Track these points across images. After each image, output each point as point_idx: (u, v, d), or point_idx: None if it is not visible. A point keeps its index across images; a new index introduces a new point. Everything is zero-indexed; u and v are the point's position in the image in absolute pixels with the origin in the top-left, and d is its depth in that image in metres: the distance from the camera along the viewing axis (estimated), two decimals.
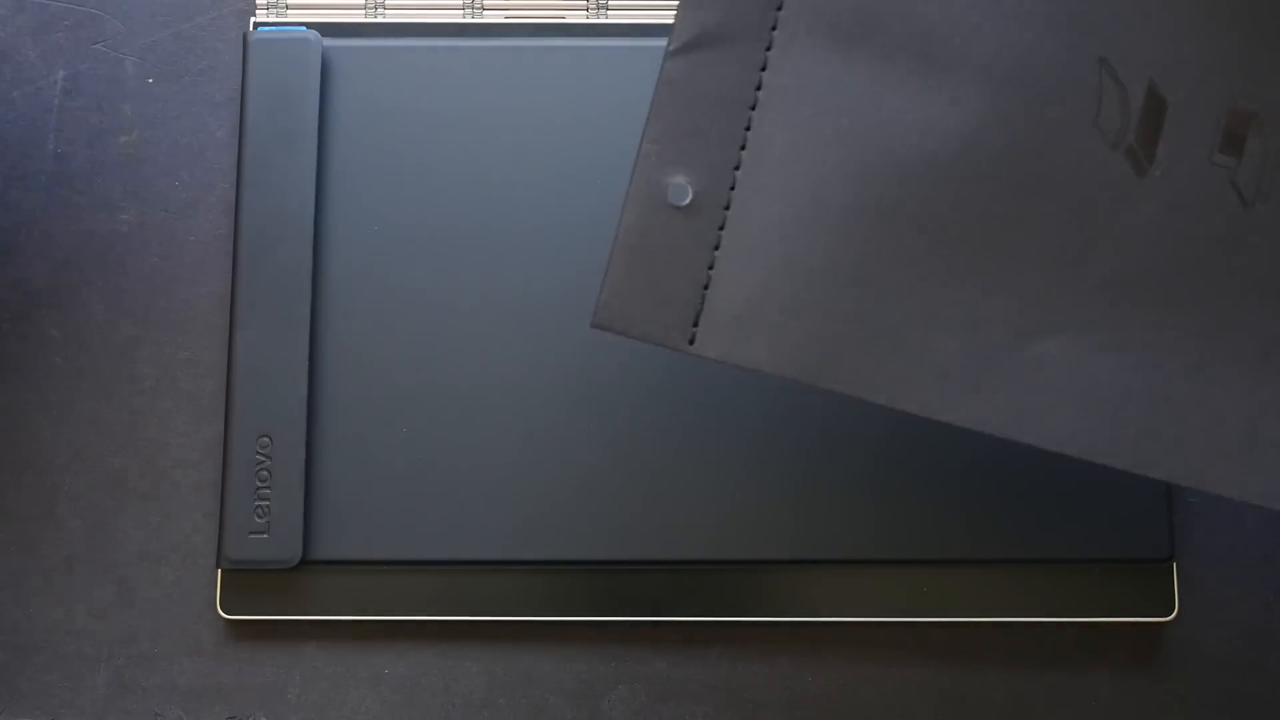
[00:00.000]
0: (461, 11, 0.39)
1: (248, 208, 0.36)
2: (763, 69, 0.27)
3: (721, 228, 0.27)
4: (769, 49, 0.27)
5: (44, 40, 0.39)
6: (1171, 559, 0.36)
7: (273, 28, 0.38)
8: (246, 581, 0.36)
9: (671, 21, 0.28)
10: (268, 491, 0.35)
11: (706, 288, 0.27)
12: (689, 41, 0.27)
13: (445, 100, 0.37)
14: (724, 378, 0.36)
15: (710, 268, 0.27)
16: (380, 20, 0.39)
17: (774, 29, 0.27)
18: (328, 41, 0.37)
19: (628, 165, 0.30)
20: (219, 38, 0.39)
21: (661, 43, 0.33)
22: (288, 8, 0.39)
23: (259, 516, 0.35)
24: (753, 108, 0.27)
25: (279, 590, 0.36)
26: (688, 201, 0.27)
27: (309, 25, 0.37)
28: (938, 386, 0.27)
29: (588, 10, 0.39)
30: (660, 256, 0.27)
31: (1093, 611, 0.37)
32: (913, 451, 0.36)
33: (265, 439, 0.35)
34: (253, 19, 0.39)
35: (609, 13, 0.39)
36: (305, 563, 0.35)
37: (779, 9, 0.27)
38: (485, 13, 0.39)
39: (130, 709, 0.36)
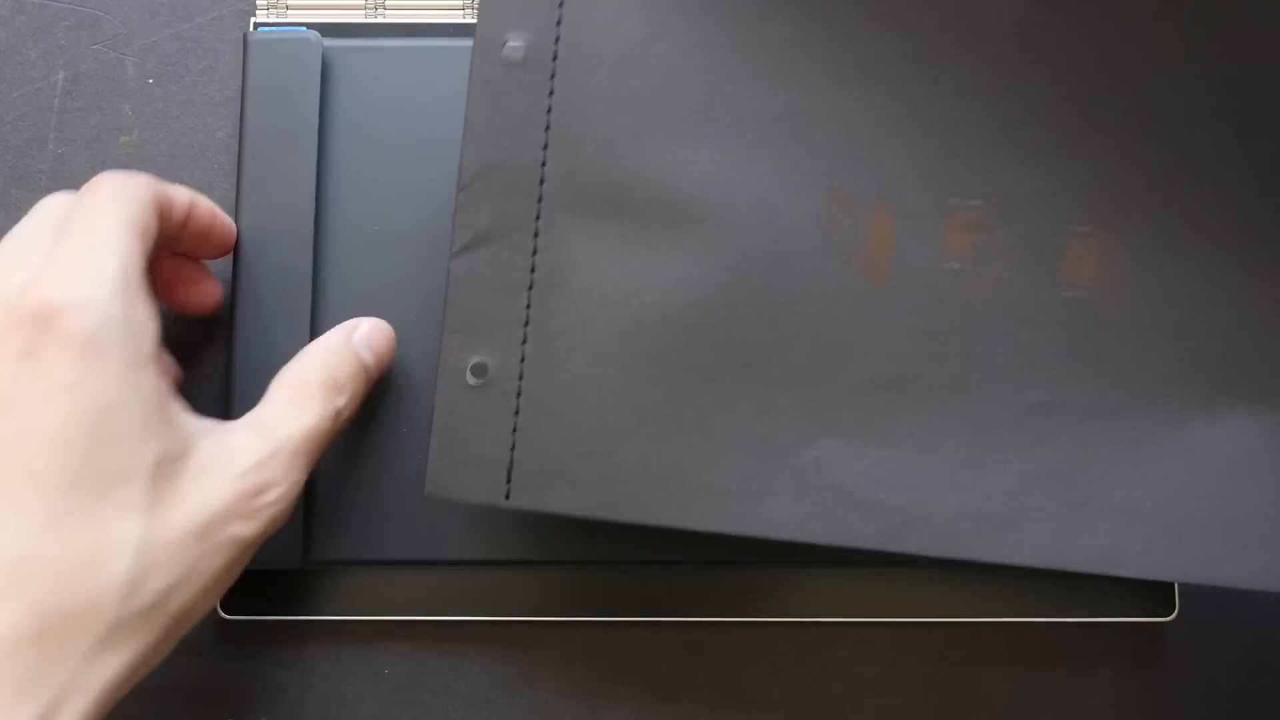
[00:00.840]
0: (461, 11, 0.39)
1: (248, 208, 0.36)
2: (534, 253, 0.31)
3: (519, 396, 0.31)
4: (536, 235, 0.31)
5: (44, 41, 0.39)
6: None
7: (273, 28, 0.38)
8: (246, 583, 0.36)
9: None
10: None
11: (513, 449, 0.30)
12: (467, 243, 0.31)
13: (445, 100, 0.37)
14: None
15: (514, 431, 0.31)
16: (380, 20, 0.39)
17: (538, 218, 0.31)
18: (328, 41, 0.37)
19: None
20: (219, 38, 0.39)
21: None
22: (288, 8, 0.39)
23: None
24: (530, 288, 0.31)
25: (279, 591, 0.36)
26: (486, 380, 0.31)
27: (309, 25, 0.37)
28: (723, 505, 0.30)
29: None
30: (471, 429, 0.31)
31: (1093, 611, 0.37)
32: None
33: None
34: (253, 19, 0.39)
35: None
36: (305, 563, 0.35)
37: (540, 201, 0.31)
38: None
39: (130, 709, 0.36)
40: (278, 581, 0.36)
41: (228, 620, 0.36)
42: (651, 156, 0.31)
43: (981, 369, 0.30)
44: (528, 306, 0.31)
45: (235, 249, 0.36)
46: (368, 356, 0.33)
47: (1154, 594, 0.37)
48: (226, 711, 0.36)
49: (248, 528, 0.28)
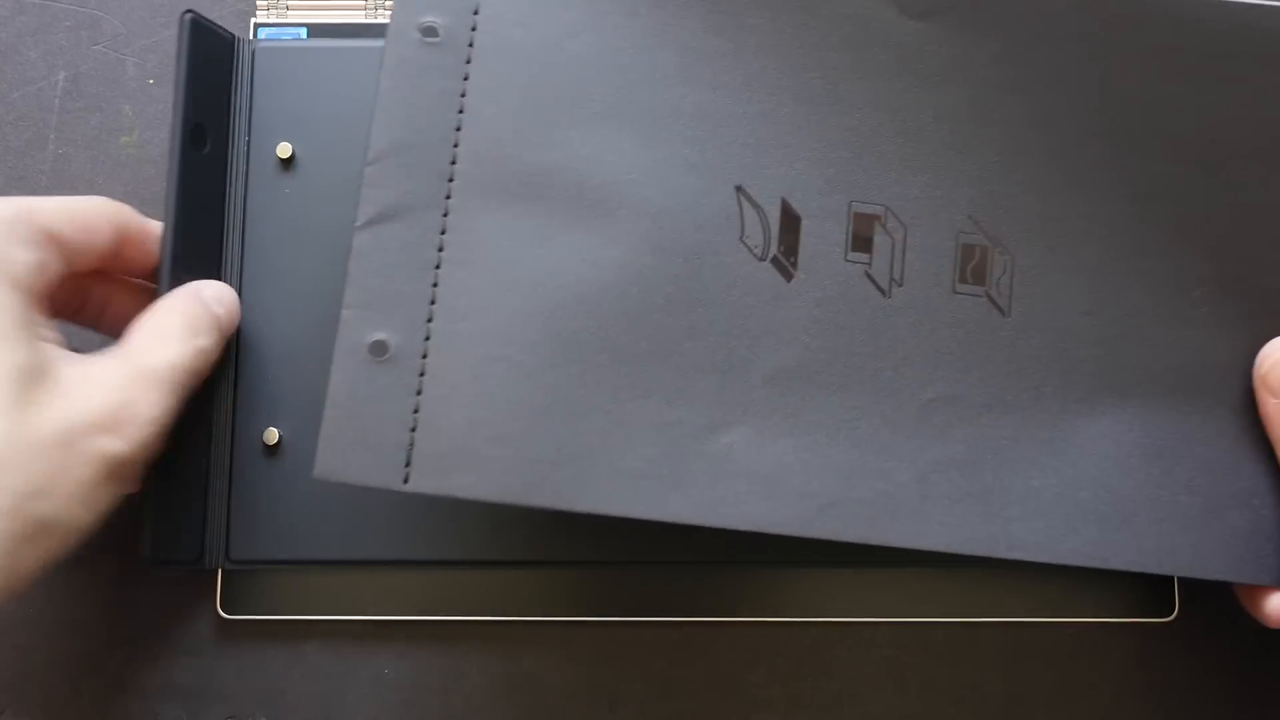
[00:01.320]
0: None
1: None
2: (443, 232, 0.31)
3: (422, 375, 0.30)
4: (446, 215, 0.31)
5: (45, 41, 0.39)
6: None
7: (273, 28, 0.38)
8: (246, 581, 0.36)
9: None
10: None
11: (414, 430, 0.30)
12: (373, 217, 0.31)
13: None
14: None
15: (416, 412, 0.30)
16: (380, 21, 0.39)
17: (449, 197, 0.31)
18: (329, 42, 0.37)
19: None
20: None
21: None
22: (288, 8, 0.39)
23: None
24: (438, 267, 0.31)
25: (279, 590, 0.36)
26: (386, 357, 0.30)
27: (309, 25, 0.38)
28: (637, 489, 0.30)
29: None
30: (369, 408, 0.30)
31: (1093, 611, 0.37)
32: None
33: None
34: (253, 19, 0.39)
35: None
36: (305, 563, 0.35)
37: (451, 180, 0.31)
38: None
39: (130, 709, 0.36)
40: (278, 581, 0.36)
41: (228, 620, 0.36)
42: (566, 145, 0.31)
43: (887, 361, 0.32)
44: (435, 285, 0.31)
45: (237, 249, 0.36)
46: (219, 310, 0.33)
47: (1154, 594, 0.37)
48: (226, 710, 0.36)
49: (114, 443, 0.28)
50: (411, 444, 0.30)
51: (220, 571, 0.36)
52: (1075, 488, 0.31)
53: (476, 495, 0.30)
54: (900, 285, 0.32)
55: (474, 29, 0.32)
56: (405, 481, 0.30)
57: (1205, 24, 0.32)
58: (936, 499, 0.31)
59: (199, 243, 0.35)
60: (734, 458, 0.31)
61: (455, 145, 0.31)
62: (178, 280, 0.34)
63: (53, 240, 0.30)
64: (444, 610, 0.36)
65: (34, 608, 0.37)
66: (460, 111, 0.31)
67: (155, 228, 0.33)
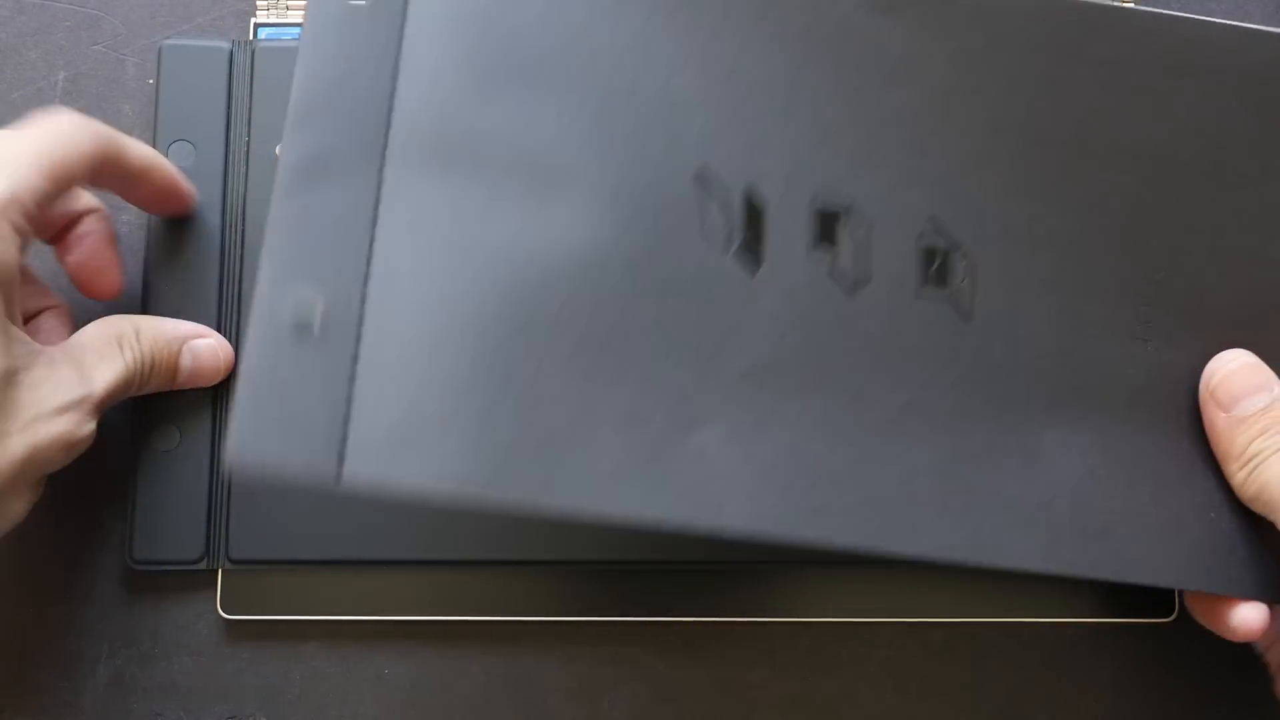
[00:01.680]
0: None
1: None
2: (378, 201, 0.28)
3: (356, 357, 0.27)
4: (382, 181, 0.28)
5: (44, 41, 0.39)
6: None
7: (273, 28, 0.38)
8: (246, 581, 0.36)
9: None
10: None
11: (348, 420, 0.26)
12: (298, 179, 0.27)
13: None
14: None
15: (349, 401, 0.26)
16: None
17: (384, 162, 0.28)
18: None
19: None
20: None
21: None
22: (288, 8, 0.39)
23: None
24: (373, 235, 0.27)
25: (279, 590, 0.36)
26: (314, 333, 0.26)
27: None
28: (611, 485, 0.27)
29: None
30: (292, 393, 0.26)
31: (1093, 612, 0.37)
32: None
33: None
34: (253, 19, 0.39)
35: None
36: (305, 562, 0.35)
37: (385, 147, 0.28)
38: None
39: (130, 709, 0.36)
40: (278, 581, 0.36)
41: (228, 620, 0.36)
42: (514, 115, 0.28)
43: (859, 362, 0.30)
44: (370, 254, 0.27)
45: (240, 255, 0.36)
46: (188, 361, 0.34)
47: (1154, 594, 0.37)
48: (226, 710, 0.36)
49: (63, 458, 0.31)
50: (345, 435, 0.26)
51: (220, 571, 0.36)
52: (1052, 496, 0.31)
53: (419, 491, 0.26)
54: (865, 286, 0.31)
55: None
56: (338, 479, 0.26)
57: (1154, 38, 0.32)
58: (923, 504, 0.30)
59: (187, 253, 0.36)
60: (711, 455, 0.28)
61: (390, 110, 0.28)
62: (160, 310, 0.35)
63: (35, 217, 0.30)
64: (444, 610, 0.36)
65: (34, 608, 0.37)
66: (395, 74, 0.28)
67: (136, 153, 0.33)
